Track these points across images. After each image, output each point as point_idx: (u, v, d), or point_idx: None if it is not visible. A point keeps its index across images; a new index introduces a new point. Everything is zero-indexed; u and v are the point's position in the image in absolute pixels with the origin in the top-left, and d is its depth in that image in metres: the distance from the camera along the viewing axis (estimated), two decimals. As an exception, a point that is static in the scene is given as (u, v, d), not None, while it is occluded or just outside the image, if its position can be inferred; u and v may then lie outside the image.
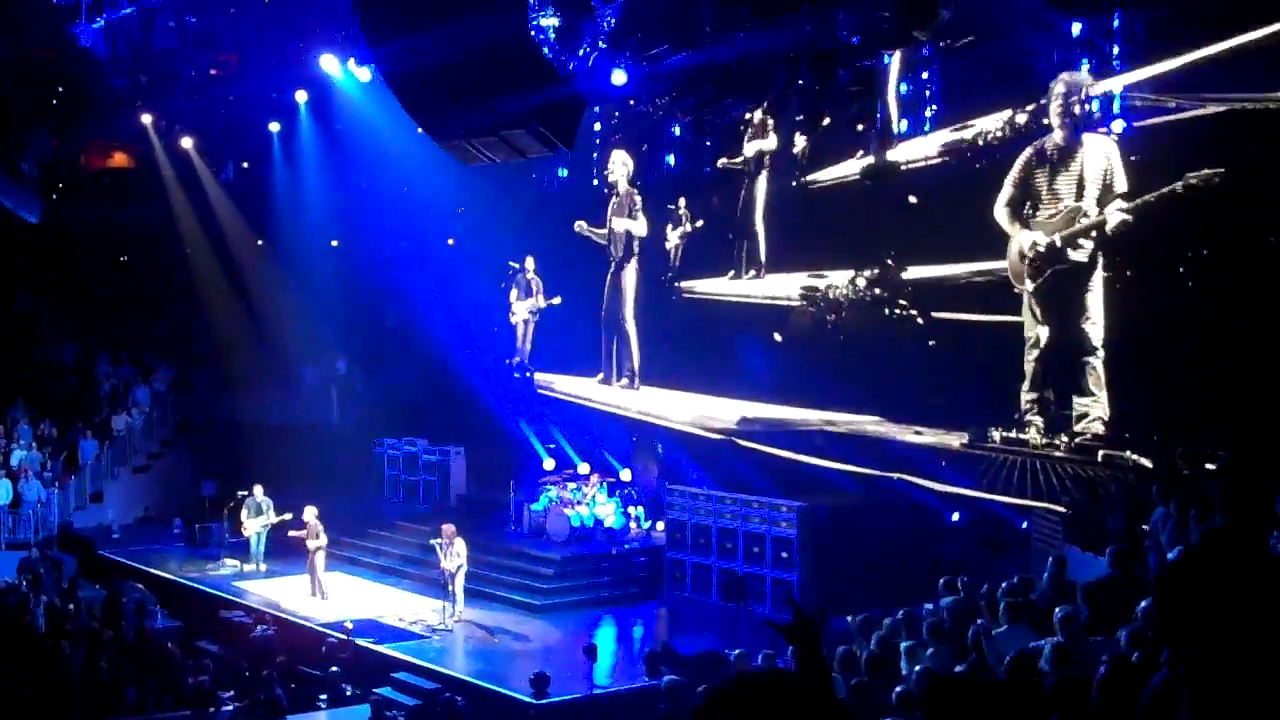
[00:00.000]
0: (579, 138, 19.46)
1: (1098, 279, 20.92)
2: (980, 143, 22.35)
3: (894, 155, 23.29)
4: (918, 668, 11.94)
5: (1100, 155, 20.81)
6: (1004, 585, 14.39)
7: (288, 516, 26.95)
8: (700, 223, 28.63)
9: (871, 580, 20.77)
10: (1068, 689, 6.57)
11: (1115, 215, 20.47)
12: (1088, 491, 19.83)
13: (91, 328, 37.29)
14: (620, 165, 29.96)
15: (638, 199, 29.89)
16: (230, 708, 18.55)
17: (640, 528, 27.84)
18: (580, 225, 30.92)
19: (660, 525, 26.93)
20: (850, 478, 24.73)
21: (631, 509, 28.00)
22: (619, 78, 24.02)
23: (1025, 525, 20.94)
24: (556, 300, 32.36)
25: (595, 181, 31.28)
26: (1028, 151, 21.91)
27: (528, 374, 33.17)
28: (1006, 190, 22.11)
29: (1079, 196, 21.09)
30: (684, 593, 25.39)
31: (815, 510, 23.84)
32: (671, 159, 29.13)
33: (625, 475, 28.85)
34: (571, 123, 18.39)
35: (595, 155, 30.72)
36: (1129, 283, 20.54)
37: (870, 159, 23.71)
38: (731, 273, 27.61)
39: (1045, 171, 21.67)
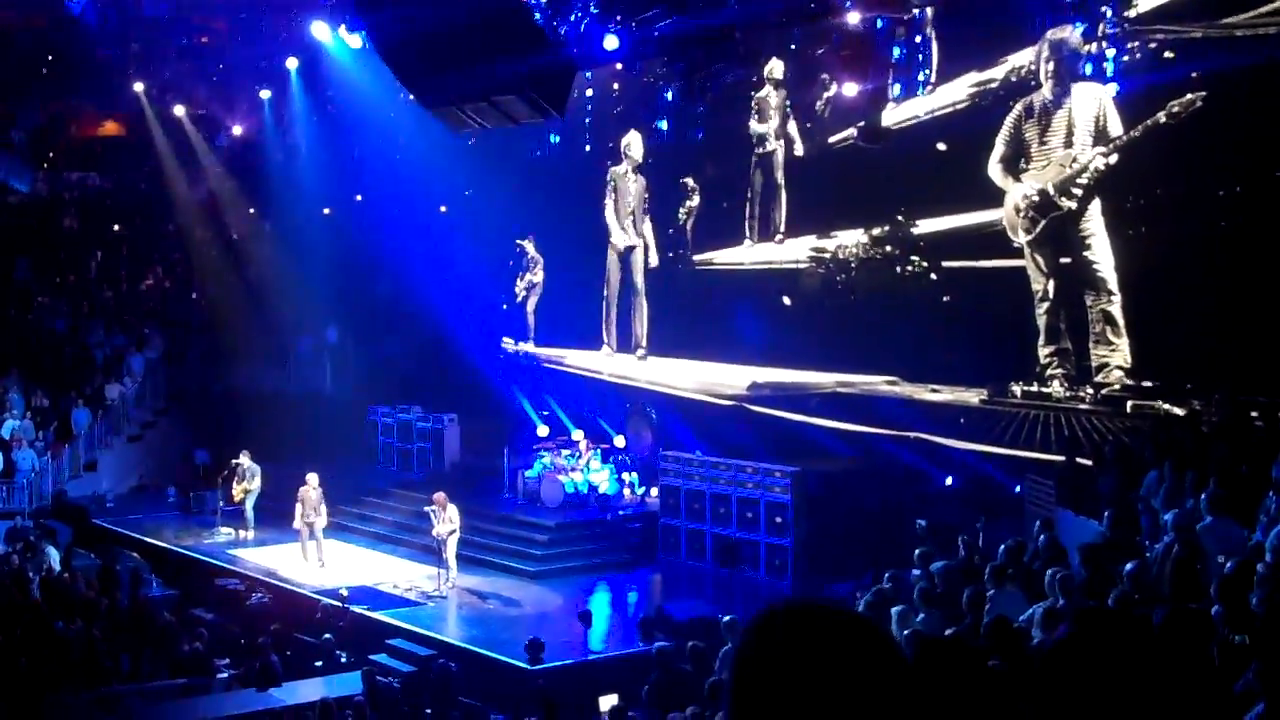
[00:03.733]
0: (571, 105, 19.40)
1: (1098, 224, 20.85)
2: (1014, 79, 22.20)
3: (913, 106, 23.24)
4: (905, 632, 11.95)
5: (1091, 101, 20.83)
6: (1002, 548, 14.42)
7: (248, 487, 27.38)
8: (696, 199, 28.69)
9: (866, 545, 20.79)
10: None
11: (1103, 156, 20.54)
12: (1085, 451, 19.79)
13: (84, 296, 37.20)
14: (637, 146, 29.89)
15: (644, 183, 29.88)
16: (226, 675, 18.59)
17: (634, 494, 27.86)
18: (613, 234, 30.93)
19: (654, 491, 26.97)
20: (845, 442, 24.74)
21: (626, 475, 28.00)
22: (610, 43, 23.91)
23: (1019, 489, 20.93)
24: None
25: (588, 148, 31.24)
26: (1017, 108, 21.95)
27: (528, 349, 33.33)
28: (998, 147, 22.15)
29: (1068, 144, 21.13)
30: (678, 558, 25.43)
31: (809, 475, 23.86)
32: (664, 124, 29.06)
33: (619, 442, 28.86)
34: (563, 88, 18.35)
35: (587, 121, 30.67)
36: (1134, 224, 20.43)
37: (864, 122, 23.69)
38: (748, 241, 27.55)
39: (1034, 125, 21.70)
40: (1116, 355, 20.63)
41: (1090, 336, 21.00)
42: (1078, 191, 21.00)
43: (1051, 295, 21.67)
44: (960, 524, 17.80)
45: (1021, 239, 21.87)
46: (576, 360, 32.04)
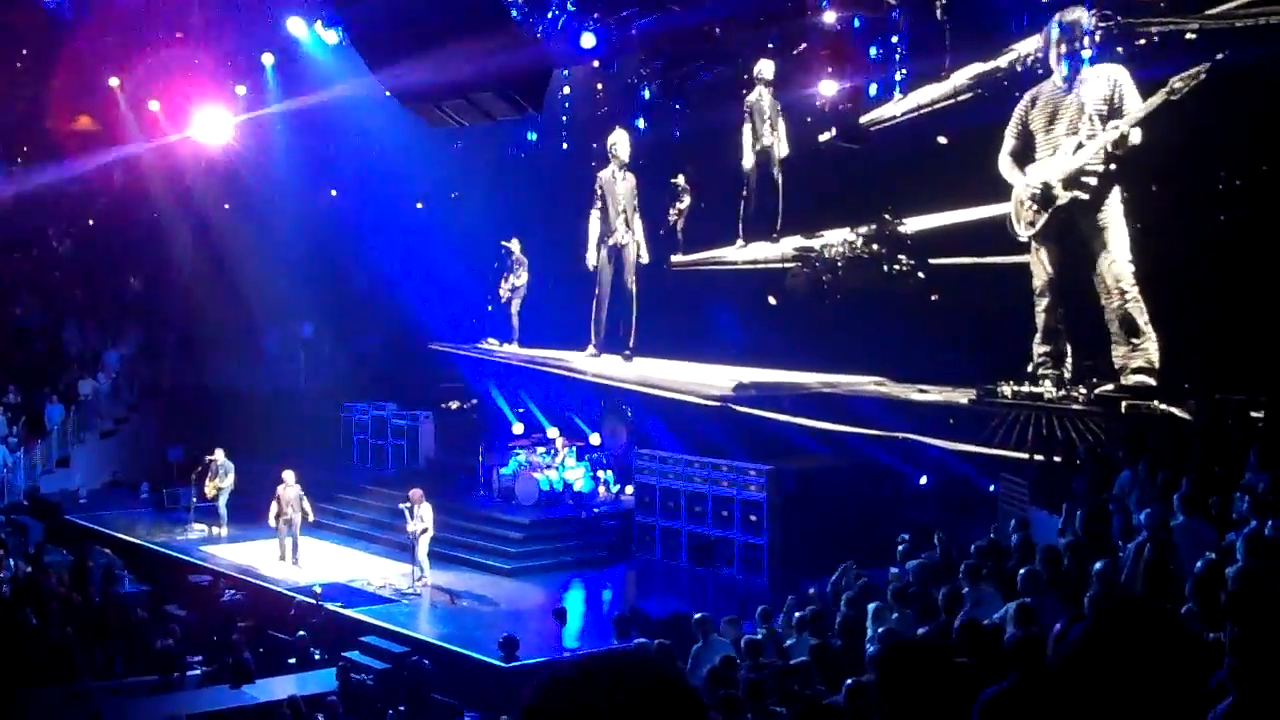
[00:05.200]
0: (549, 104, 19.32)
1: (1112, 215, 20.17)
2: (1019, 68, 21.71)
3: (900, 103, 23.06)
4: (880, 629, 11.99)
5: (1101, 84, 20.19)
6: (974, 546, 14.49)
7: (221, 484, 27.29)
8: (687, 199, 28.60)
9: (840, 543, 20.78)
10: (1028, 648, 6.60)
11: (1106, 142, 19.94)
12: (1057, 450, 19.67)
13: (57, 292, 36.99)
14: (623, 145, 29.81)
15: (634, 181, 29.74)
16: (198, 672, 18.55)
17: (609, 492, 27.87)
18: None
19: (629, 489, 26.96)
20: (822, 442, 24.74)
21: (601, 473, 28.02)
22: (588, 41, 23.93)
23: (993, 489, 20.97)
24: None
25: (565, 145, 31.22)
26: (1024, 99, 21.46)
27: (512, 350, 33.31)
28: (1007, 141, 21.67)
29: (1074, 132, 20.60)
30: (653, 556, 25.44)
31: (784, 474, 23.87)
32: (642, 123, 29.05)
33: (595, 439, 28.85)
34: (540, 86, 18.28)
35: (565, 119, 30.65)
36: (1148, 214, 19.79)
37: (843, 121, 23.63)
38: (740, 240, 27.44)
39: (1042, 115, 21.19)
40: (1138, 356, 20.02)
41: (1110, 338, 20.41)
42: (1089, 181, 20.39)
43: (1050, 293, 21.28)
44: (935, 523, 17.81)
45: (1024, 234, 21.39)
46: (560, 361, 31.92)
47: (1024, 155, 21.52)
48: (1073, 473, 17.58)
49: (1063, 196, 20.76)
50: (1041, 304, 21.49)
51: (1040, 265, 21.44)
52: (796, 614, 14.49)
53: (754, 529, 23.76)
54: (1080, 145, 20.41)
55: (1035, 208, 21.17)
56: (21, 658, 17.54)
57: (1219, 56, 18.52)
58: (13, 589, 20.89)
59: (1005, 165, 21.79)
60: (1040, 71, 21.44)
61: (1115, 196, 20.30)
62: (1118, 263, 20.16)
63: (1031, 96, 21.39)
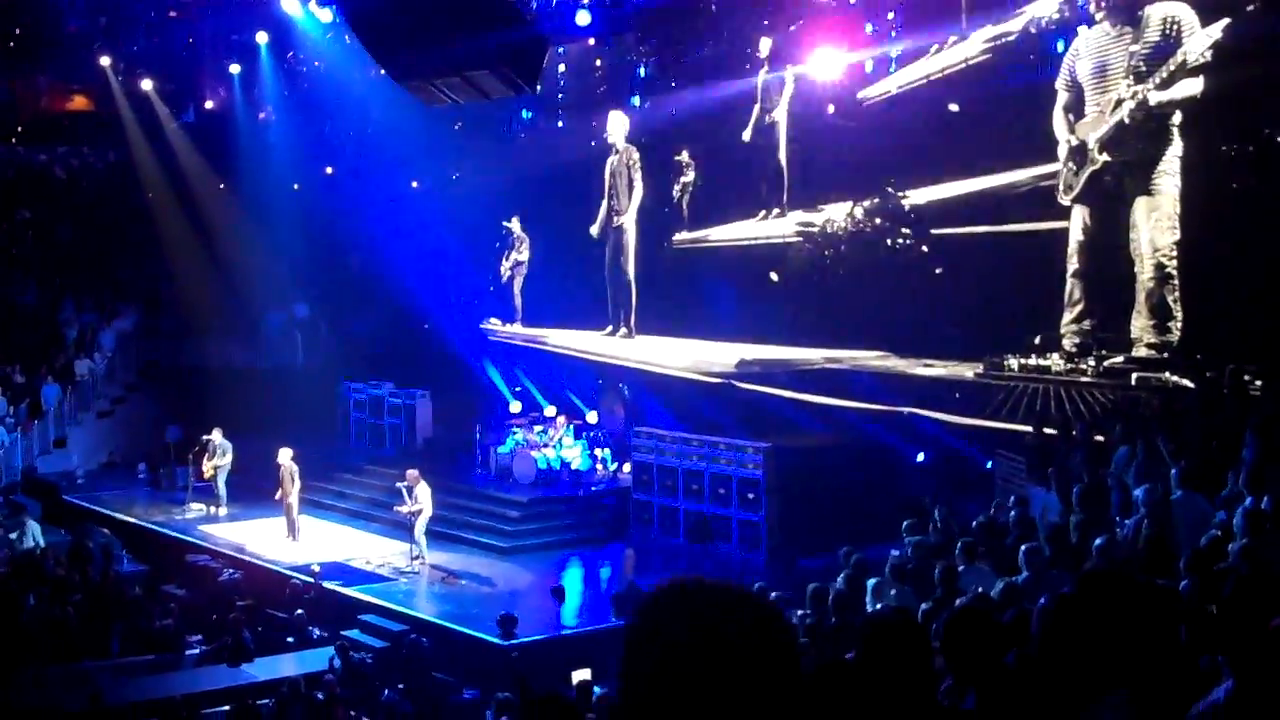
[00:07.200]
0: (546, 80, 19.29)
1: (1165, 180, 18.93)
2: (1033, 29, 20.82)
3: (902, 74, 22.71)
4: (879, 605, 12.00)
5: (1155, 30, 18.76)
6: (973, 524, 14.51)
7: (219, 463, 27.22)
8: (691, 174, 28.41)
9: (837, 521, 20.81)
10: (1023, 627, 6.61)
11: (1134, 100, 18.94)
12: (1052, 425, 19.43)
13: (54, 272, 36.92)
14: (618, 126, 29.64)
15: (635, 157, 29.59)
16: (197, 651, 18.60)
17: (607, 470, 27.86)
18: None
19: (627, 467, 26.97)
20: (819, 419, 24.72)
21: (598, 451, 28.00)
22: (583, 18, 23.89)
23: (990, 465, 20.93)
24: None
25: (561, 124, 31.13)
26: (1073, 46, 20.30)
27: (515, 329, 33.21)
28: (1059, 94, 20.49)
29: (1116, 87, 19.42)
30: (651, 534, 25.45)
31: (781, 451, 23.87)
32: (638, 100, 28.97)
33: (592, 417, 28.85)
34: (535, 64, 18.25)
35: (561, 97, 30.57)
36: (1197, 178, 18.57)
37: (840, 98, 23.54)
38: (763, 213, 27.21)
39: (1088, 64, 19.97)
40: (1158, 333, 19.11)
41: (1133, 308, 19.41)
42: (1131, 143, 19.22)
43: (1079, 260, 20.36)
44: (933, 501, 17.77)
45: (1064, 198, 20.34)
46: (563, 340, 31.81)
47: (1078, 109, 20.22)
48: (1069, 449, 17.56)
49: (1098, 160, 19.72)
50: (1070, 271, 20.61)
51: (1074, 230, 20.40)
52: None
53: (751, 506, 23.77)
54: (1119, 102, 19.24)
55: (1074, 169, 20.14)
56: (20, 638, 17.56)
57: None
58: (11, 569, 20.92)
59: (1057, 121, 20.53)
60: (1054, 30, 20.80)
61: (1173, 156, 18.92)
62: (1159, 230, 19.02)
63: (1076, 46, 20.23)
